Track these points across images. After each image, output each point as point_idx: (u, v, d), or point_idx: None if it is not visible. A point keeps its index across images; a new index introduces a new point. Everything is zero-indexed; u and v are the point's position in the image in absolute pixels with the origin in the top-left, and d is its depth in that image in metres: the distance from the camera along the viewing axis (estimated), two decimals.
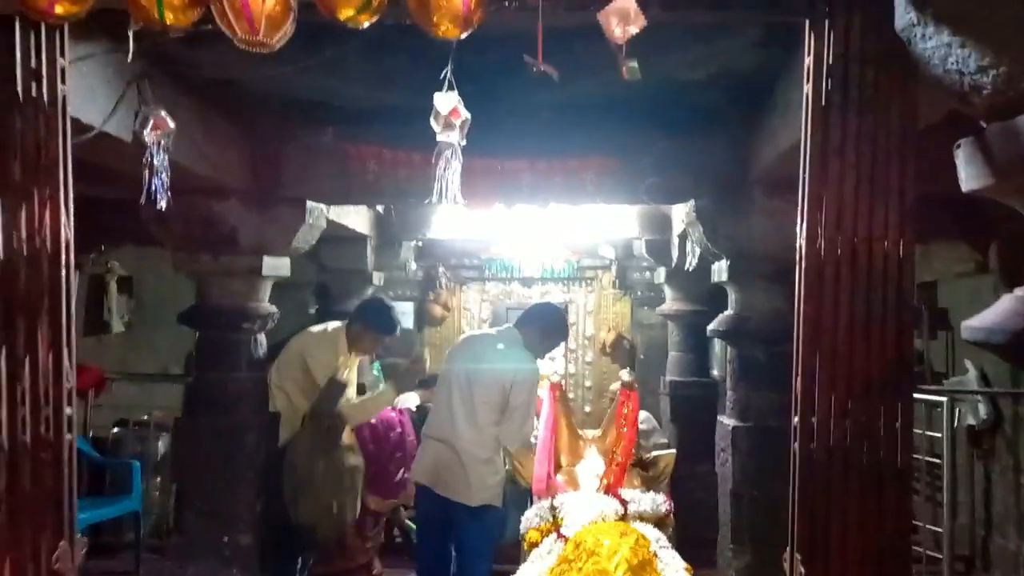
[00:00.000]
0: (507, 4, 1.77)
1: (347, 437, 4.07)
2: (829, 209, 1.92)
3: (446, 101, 2.07)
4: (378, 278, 6.23)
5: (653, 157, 3.72)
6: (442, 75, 2.02)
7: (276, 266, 4.02)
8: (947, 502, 4.40)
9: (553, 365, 7.67)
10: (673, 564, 3.07)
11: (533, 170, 3.78)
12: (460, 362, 3.72)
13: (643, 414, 4.90)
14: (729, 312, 3.96)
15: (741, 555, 3.71)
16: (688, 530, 4.08)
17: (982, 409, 4.79)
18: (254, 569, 3.84)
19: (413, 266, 6.99)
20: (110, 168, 3.01)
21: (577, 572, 2.96)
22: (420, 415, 4.68)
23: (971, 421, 4.86)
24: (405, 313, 7.65)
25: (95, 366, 5.06)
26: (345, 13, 1.57)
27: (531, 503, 3.98)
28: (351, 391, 4.23)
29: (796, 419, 2.01)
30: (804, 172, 1.98)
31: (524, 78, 2.72)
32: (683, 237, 4.74)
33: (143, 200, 2.42)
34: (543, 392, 3.90)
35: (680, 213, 4.44)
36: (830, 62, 1.91)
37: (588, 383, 8.00)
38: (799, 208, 2.00)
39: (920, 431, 4.43)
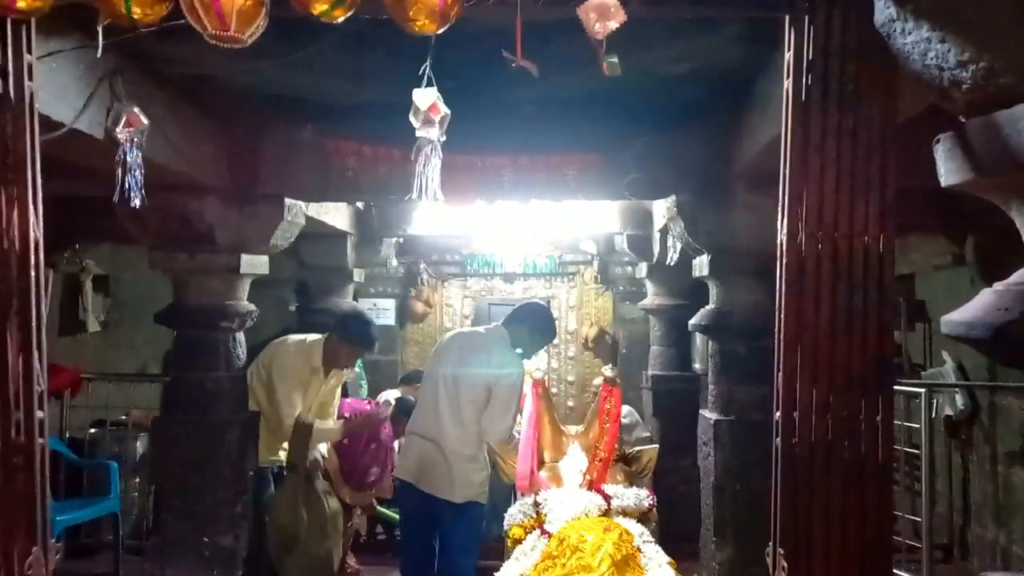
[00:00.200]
0: None
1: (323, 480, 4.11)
2: (810, 204, 1.93)
3: (425, 97, 2.05)
4: (359, 275, 6.18)
5: (635, 152, 3.72)
6: (421, 71, 2.00)
7: (254, 264, 3.97)
8: (925, 492, 4.45)
9: (536, 361, 7.68)
10: (656, 558, 3.07)
11: (514, 166, 3.76)
12: (447, 360, 3.70)
13: (625, 409, 4.91)
14: (710, 307, 3.97)
15: (723, 548, 3.73)
16: (670, 523, 4.10)
17: (959, 400, 4.85)
18: (234, 569, 3.81)
19: (394, 263, 6.95)
20: (83, 166, 2.95)
21: (561, 568, 2.95)
22: (400, 407, 4.66)
23: (949, 412, 4.92)
24: (387, 310, 7.63)
25: (71, 366, 4.98)
26: (319, 8, 1.55)
27: (515, 499, 3.98)
28: (331, 408, 4.23)
29: (778, 414, 2.01)
30: (785, 167, 1.98)
31: (505, 74, 2.70)
32: (664, 232, 4.75)
33: (117, 198, 2.37)
34: (526, 388, 3.89)
35: (661, 208, 4.44)
36: (810, 57, 1.91)
37: (571, 378, 8.02)
38: (780, 203, 2.00)
39: (899, 422, 4.47)
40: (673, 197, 3.89)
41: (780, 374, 1.99)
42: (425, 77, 2.01)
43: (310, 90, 3.36)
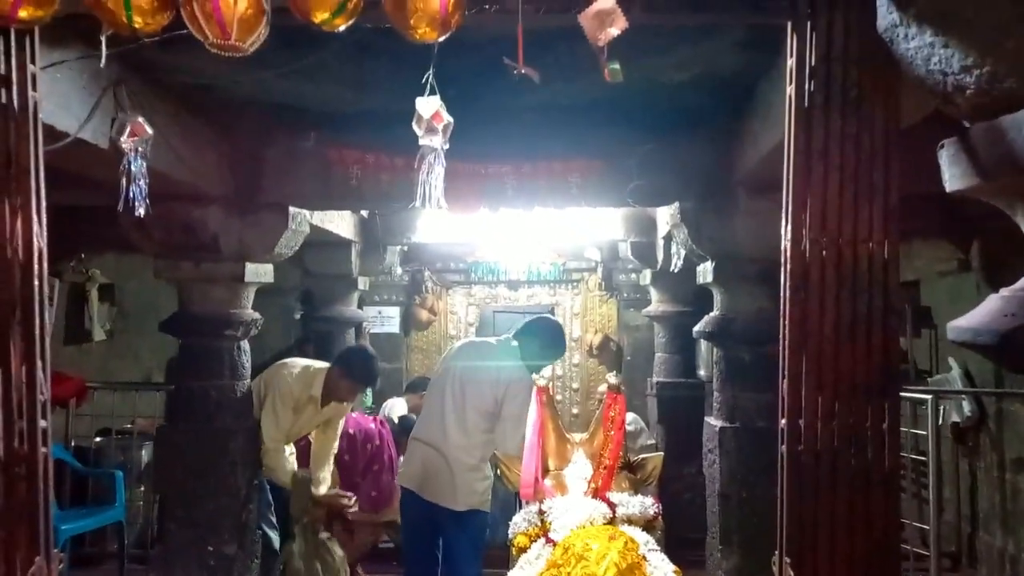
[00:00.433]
0: (486, 7, 1.75)
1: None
2: (813, 210, 1.92)
3: (428, 105, 2.05)
4: (363, 283, 6.19)
5: (637, 159, 3.71)
6: (424, 79, 2.00)
7: (259, 272, 3.97)
8: (933, 499, 4.41)
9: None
10: (662, 567, 3.04)
11: (517, 173, 3.76)
12: (455, 367, 3.70)
13: (630, 416, 4.89)
14: (714, 313, 3.96)
15: (729, 556, 3.71)
16: (675, 531, 4.08)
17: (966, 406, 4.81)
18: None
19: (398, 270, 6.97)
20: (88, 175, 2.96)
21: None
22: (402, 425, 4.65)
23: (955, 418, 4.88)
24: (391, 317, 7.63)
25: (76, 375, 4.99)
26: (320, 16, 1.55)
27: (518, 506, 3.96)
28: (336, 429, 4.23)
29: (783, 421, 2.00)
30: (788, 173, 1.97)
31: (507, 81, 2.70)
32: (668, 239, 4.74)
33: (121, 207, 2.38)
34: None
35: (665, 215, 4.44)
36: (812, 63, 1.90)
37: (575, 385, 8.00)
38: (783, 210, 1.99)
39: (905, 429, 4.45)
40: (676, 204, 3.89)
41: (785, 381, 1.98)
42: (428, 85, 2.01)
43: (312, 99, 3.37)
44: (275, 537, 4.15)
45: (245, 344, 3.98)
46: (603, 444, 3.73)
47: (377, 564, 4.97)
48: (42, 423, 1.99)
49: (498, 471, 4.00)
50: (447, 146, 2.13)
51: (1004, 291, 1.51)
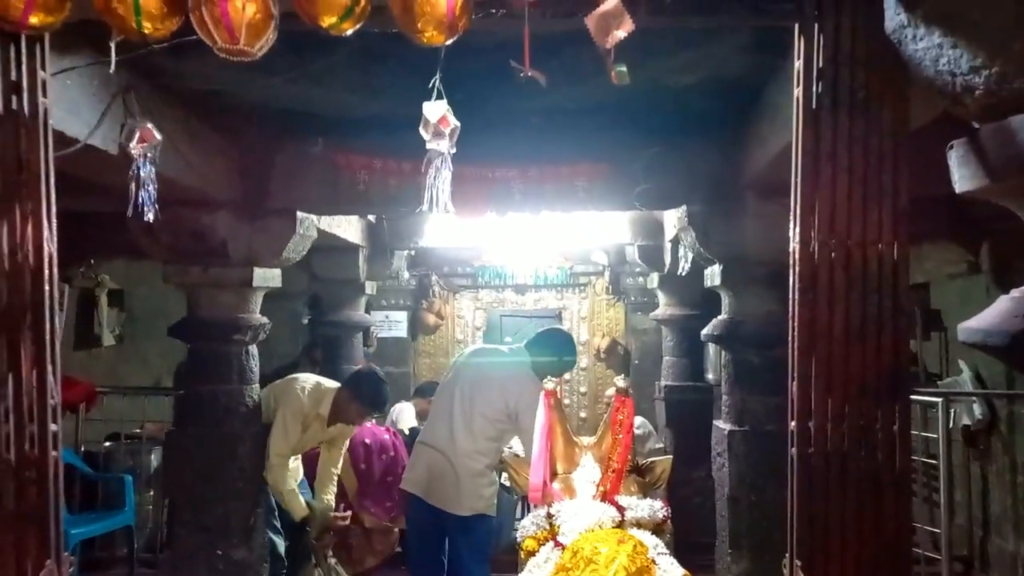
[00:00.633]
0: (493, 11, 1.75)
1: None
2: (822, 213, 1.91)
3: (435, 109, 2.06)
4: (371, 287, 6.21)
5: (644, 163, 3.71)
6: (431, 83, 2.01)
7: (267, 277, 3.99)
8: (944, 503, 4.38)
9: None
10: (672, 571, 3.03)
11: (524, 177, 3.77)
12: (466, 372, 3.70)
13: (639, 420, 4.88)
14: (723, 316, 3.95)
15: (739, 560, 3.69)
16: (684, 536, 4.05)
17: (977, 409, 4.78)
18: None
19: (406, 275, 6.98)
20: (97, 181, 2.98)
21: None
22: (412, 436, 4.67)
23: (966, 421, 4.85)
24: (399, 322, 7.65)
25: (86, 380, 5.01)
26: (327, 20, 1.55)
27: (526, 510, 3.96)
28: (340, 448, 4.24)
29: (793, 424, 1.99)
30: (796, 176, 1.97)
31: (513, 85, 2.70)
32: (675, 242, 4.74)
33: (130, 213, 2.39)
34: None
35: (672, 218, 4.43)
36: (820, 65, 1.90)
37: (583, 389, 8.00)
38: (792, 212, 1.99)
39: (916, 432, 4.42)
40: (684, 207, 3.88)
41: (795, 383, 1.97)
42: (435, 90, 2.02)
43: (320, 104, 3.38)
44: (280, 542, 4.15)
45: (253, 348, 3.99)
46: (611, 448, 3.72)
47: (385, 569, 4.97)
48: (53, 427, 2.00)
49: (505, 477, 4.01)
50: (454, 150, 2.13)
51: (1015, 292, 1.50)
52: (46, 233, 1.98)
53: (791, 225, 2.00)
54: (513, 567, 3.98)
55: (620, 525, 3.39)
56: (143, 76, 2.77)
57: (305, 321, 6.69)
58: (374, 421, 5.03)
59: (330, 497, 4.16)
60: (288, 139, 3.74)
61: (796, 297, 1.97)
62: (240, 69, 2.34)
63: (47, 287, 1.99)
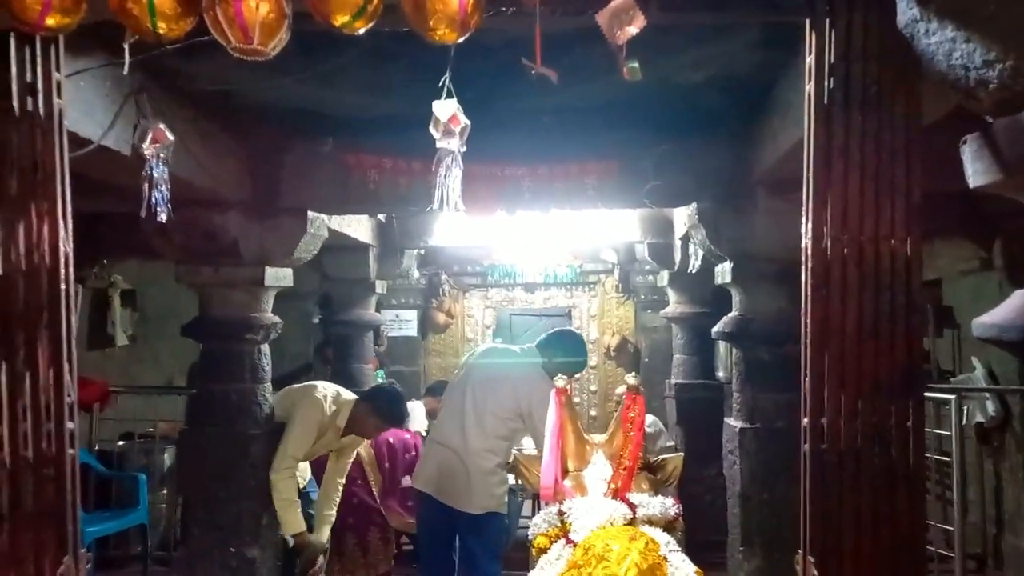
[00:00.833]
0: (504, 8, 1.76)
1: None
2: (834, 208, 1.90)
3: (445, 108, 2.06)
4: (381, 286, 6.22)
5: (654, 160, 3.71)
6: (441, 82, 2.01)
7: (279, 276, 4.00)
8: (957, 500, 4.36)
9: None
10: (683, 568, 3.03)
11: (534, 176, 3.77)
12: (477, 371, 3.71)
13: (649, 418, 4.87)
14: (733, 314, 3.94)
15: (751, 558, 3.69)
16: (695, 533, 4.05)
17: (990, 406, 4.75)
18: None
19: (416, 274, 6.99)
20: (110, 182, 3.00)
21: None
22: None
23: (979, 418, 4.82)
24: (409, 321, 7.66)
25: (100, 380, 5.05)
26: (340, 19, 1.56)
27: (534, 508, 3.97)
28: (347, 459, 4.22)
29: (806, 420, 1.98)
30: (808, 172, 1.96)
31: (523, 84, 2.71)
32: (686, 240, 4.73)
33: (143, 213, 2.41)
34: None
35: (682, 216, 4.42)
36: (832, 61, 1.89)
37: (593, 387, 7.99)
38: (804, 208, 1.98)
39: (928, 429, 4.40)
40: (694, 204, 3.87)
41: (808, 380, 1.96)
42: (445, 88, 2.02)
43: (330, 104, 3.39)
44: (291, 539, 4.17)
45: (265, 348, 4.01)
46: (623, 445, 3.72)
47: (397, 566, 4.98)
48: (69, 425, 2.03)
49: (513, 478, 4.02)
50: (464, 149, 2.14)
51: None
52: (62, 233, 2.00)
53: (803, 221, 1.99)
54: (521, 564, 3.99)
55: (632, 522, 3.40)
56: (155, 77, 2.79)
57: (316, 320, 6.72)
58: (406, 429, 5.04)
59: (332, 512, 4.11)
60: (298, 139, 3.76)
61: (809, 294, 1.97)
62: (250, 70, 2.35)
63: (63, 286, 2.01)
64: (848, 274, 1.92)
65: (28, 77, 1.94)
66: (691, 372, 5.88)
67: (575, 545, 3.16)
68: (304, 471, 4.19)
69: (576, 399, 7.50)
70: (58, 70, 1.99)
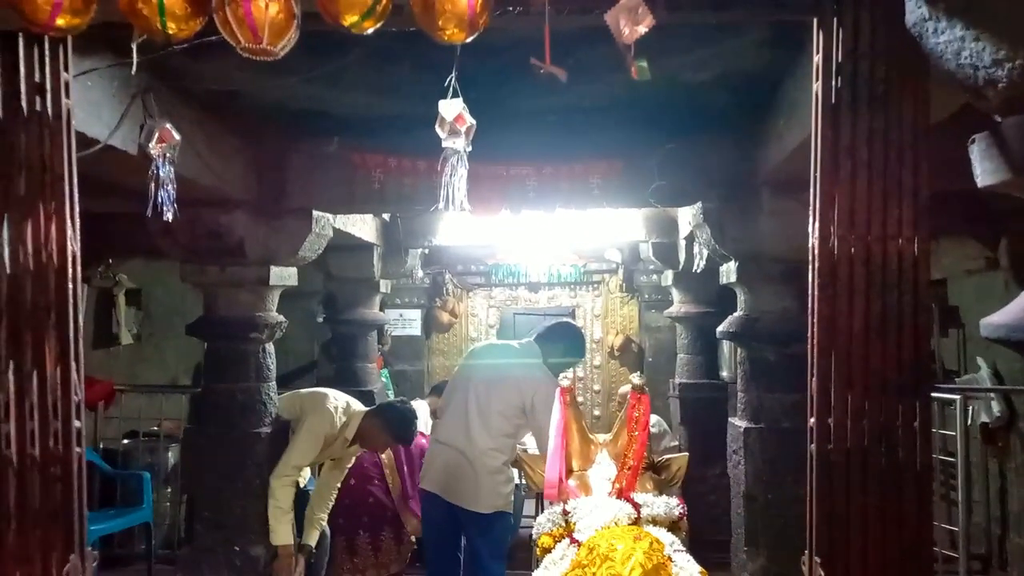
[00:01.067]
0: (511, 8, 1.76)
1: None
2: (841, 208, 1.90)
3: (451, 107, 2.06)
4: (385, 286, 6.23)
5: (659, 160, 3.70)
6: (447, 82, 2.01)
7: (283, 276, 4.01)
8: (962, 501, 4.35)
9: None
10: (688, 568, 3.02)
11: (539, 175, 3.77)
12: (478, 369, 3.71)
13: (654, 418, 4.87)
14: (738, 313, 3.93)
15: (755, 557, 3.68)
16: (698, 534, 4.05)
17: (995, 407, 4.74)
18: None
19: (420, 273, 7.00)
20: (116, 182, 3.01)
21: None
22: None
23: (984, 419, 4.81)
24: (413, 320, 7.67)
25: (105, 379, 5.07)
26: (349, 19, 1.56)
27: (538, 507, 3.96)
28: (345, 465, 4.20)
29: (812, 420, 1.98)
30: (815, 171, 1.96)
31: (527, 84, 2.71)
32: (690, 239, 4.72)
33: (149, 213, 2.42)
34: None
35: (687, 215, 4.42)
36: (839, 60, 1.88)
37: (596, 387, 7.99)
38: (811, 207, 1.98)
39: (933, 430, 4.38)
40: (699, 204, 3.87)
41: (814, 379, 1.96)
42: (451, 88, 2.02)
43: (336, 104, 3.40)
44: (296, 538, 4.17)
45: (270, 347, 4.02)
46: (627, 445, 3.71)
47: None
48: (76, 423, 2.03)
49: (518, 475, 4.02)
50: (470, 148, 2.14)
51: None
52: (69, 232, 2.00)
53: (810, 220, 1.99)
54: (524, 563, 3.99)
55: (636, 522, 3.39)
56: (161, 78, 2.79)
57: (320, 320, 6.72)
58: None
59: (323, 516, 4.09)
60: (304, 139, 3.76)
61: (815, 293, 1.96)
62: (256, 70, 2.36)
63: (71, 286, 2.02)
64: (855, 273, 1.91)
65: (37, 77, 1.95)
66: (695, 372, 5.88)
67: (579, 545, 3.15)
68: (305, 470, 4.19)
69: (580, 398, 7.50)
70: (66, 70, 2.00)
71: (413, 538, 4.53)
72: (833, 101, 1.90)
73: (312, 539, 4.03)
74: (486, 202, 3.63)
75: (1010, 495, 4.75)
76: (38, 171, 1.96)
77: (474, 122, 2.10)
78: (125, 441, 5.24)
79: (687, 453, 4.27)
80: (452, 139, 2.11)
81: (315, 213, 3.89)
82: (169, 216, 2.44)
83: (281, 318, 4.05)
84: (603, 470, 3.86)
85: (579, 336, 3.98)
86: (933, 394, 4.33)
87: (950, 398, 4.44)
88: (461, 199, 2.15)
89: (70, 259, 2.01)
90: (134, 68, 1.90)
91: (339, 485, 4.19)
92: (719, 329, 4.04)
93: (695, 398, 5.72)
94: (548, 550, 3.43)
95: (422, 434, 4.87)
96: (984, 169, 1.59)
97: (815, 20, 1.94)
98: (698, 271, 4.70)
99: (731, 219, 3.71)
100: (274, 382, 4.03)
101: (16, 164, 1.95)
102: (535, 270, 7.78)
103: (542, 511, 3.93)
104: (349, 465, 4.22)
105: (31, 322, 1.97)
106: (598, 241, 6.59)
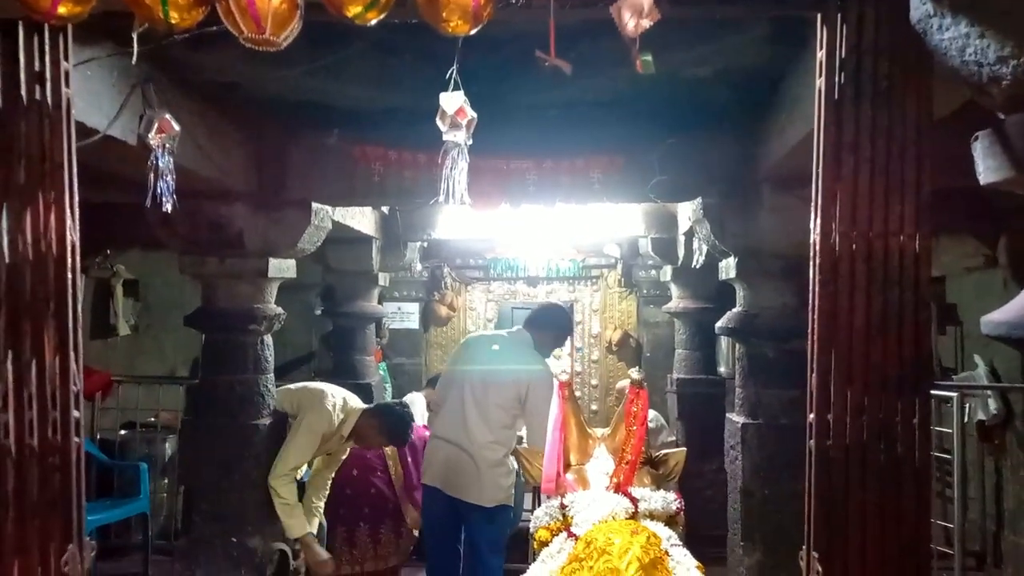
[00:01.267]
0: (515, 1, 1.75)
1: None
2: (843, 204, 1.90)
3: (452, 100, 2.06)
4: (384, 279, 6.22)
5: (659, 155, 3.70)
6: (448, 74, 2.01)
7: (282, 268, 4.01)
8: (958, 498, 4.37)
9: (561, 364, 7.67)
10: (685, 562, 3.04)
11: (539, 169, 3.77)
12: (472, 363, 3.71)
13: (651, 414, 4.87)
14: (737, 309, 3.93)
15: (752, 552, 3.69)
16: (695, 528, 4.06)
17: (992, 404, 4.75)
18: (263, 571, 3.83)
19: (418, 267, 6.99)
20: (115, 172, 3.00)
21: (588, 571, 2.92)
22: None
23: (981, 416, 4.82)
24: (411, 313, 7.66)
25: (102, 369, 5.06)
26: (353, 10, 1.55)
27: (535, 501, 3.97)
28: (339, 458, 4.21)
29: (811, 416, 1.98)
30: (817, 167, 1.96)
31: (529, 78, 2.70)
32: (690, 235, 4.72)
33: (149, 203, 2.41)
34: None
35: (687, 211, 4.42)
36: (843, 55, 1.88)
37: (595, 381, 8.00)
38: (813, 203, 1.98)
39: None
40: (699, 199, 3.87)
41: (814, 375, 1.96)
42: (452, 81, 2.02)
43: (336, 97, 3.39)
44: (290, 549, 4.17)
45: (268, 339, 4.02)
46: (625, 439, 3.73)
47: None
48: (75, 414, 2.03)
49: (521, 465, 4.03)
50: (471, 141, 2.13)
51: None
52: (69, 222, 2.00)
53: (812, 216, 1.99)
54: (521, 557, 3.99)
55: (633, 516, 3.40)
56: (161, 68, 2.78)
57: (318, 312, 6.72)
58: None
59: (320, 504, 4.11)
60: (304, 131, 3.75)
61: (816, 289, 1.96)
62: (257, 62, 2.35)
63: (70, 276, 2.01)
64: (856, 270, 1.91)
65: (36, 66, 1.94)
66: (693, 367, 5.88)
67: (577, 539, 3.16)
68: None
69: (577, 393, 7.51)
70: (67, 59, 1.99)
71: (415, 532, 4.54)
72: (836, 97, 1.90)
73: (313, 527, 4.04)
74: (486, 196, 3.63)
75: (1005, 492, 4.76)
76: (38, 160, 1.96)
77: (475, 115, 2.09)
78: (122, 432, 5.24)
79: (685, 448, 4.28)
80: (453, 132, 2.10)
81: (314, 205, 3.89)
82: (168, 207, 2.43)
83: (280, 310, 4.04)
84: (601, 464, 3.88)
85: (564, 315, 4.04)
86: (931, 391, 4.34)
87: (947, 395, 4.44)
88: (461, 192, 2.14)
89: (69, 249, 2.01)
90: (134, 58, 1.89)
91: (333, 475, 4.20)
92: (718, 325, 4.05)
93: (693, 393, 5.73)
94: (545, 543, 3.44)
95: (424, 426, 4.87)
96: (987, 166, 1.59)
97: (819, 15, 1.93)
98: (697, 267, 4.70)
99: (731, 215, 3.71)
100: (272, 374, 4.03)
101: (16, 153, 1.94)
102: (534, 264, 7.78)
103: (539, 505, 3.95)
104: (344, 457, 4.23)
105: (30, 312, 1.97)
106: (597, 236, 6.59)
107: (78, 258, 2.05)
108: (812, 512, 1.98)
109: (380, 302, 6.47)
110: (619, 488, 3.57)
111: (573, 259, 7.73)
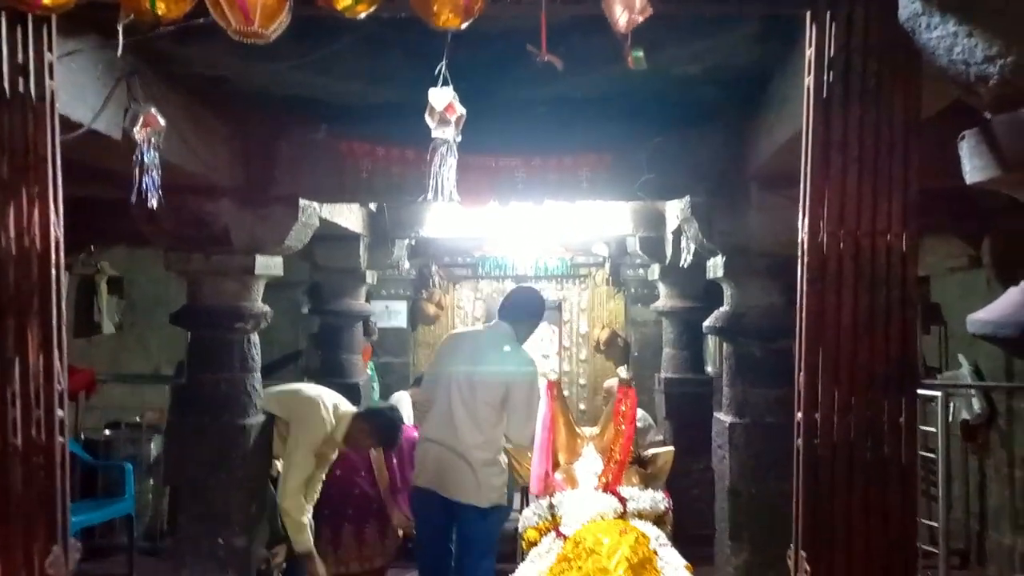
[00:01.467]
0: None
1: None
2: (831, 203, 1.91)
3: (441, 96, 2.05)
4: (371, 277, 6.19)
5: (648, 153, 3.70)
6: (436, 70, 2.00)
7: (269, 265, 3.97)
8: (942, 497, 4.41)
9: (549, 363, 7.67)
10: (673, 562, 3.05)
11: (527, 167, 3.76)
12: (457, 362, 3.69)
13: (639, 413, 4.88)
14: (725, 308, 3.94)
15: (739, 552, 3.70)
16: (683, 527, 4.07)
17: (976, 404, 4.80)
18: (248, 571, 3.81)
19: (406, 265, 6.96)
20: (100, 167, 2.96)
21: (577, 570, 2.93)
22: None
23: (965, 416, 4.87)
24: (399, 312, 7.64)
25: (86, 368, 5.01)
26: (342, 3, 1.54)
27: (523, 501, 3.97)
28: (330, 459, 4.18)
29: (799, 415, 1.99)
30: (805, 166, 1.96)
31: (518, 74, 2.69)
32: (677, 233, 4.73)
33: (133, 198, 2.38)
34: (541, 390, 3.89)
35: (675, 209, 4.42)
36: (832, 54, 1.89)
37: (582, 381, 8.00)
38: (801, 202, 1.98)
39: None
40: (687, 198, 3.88)
41: (802, 374, 1.97)
42: (441, 77, 2.01)
43: (324, 91, 3.36)
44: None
45: (255, 337, 3.98)
46: (614, 439, 3.73)
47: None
48: (59, 413, 2.00)
49: (510, 465, 4.03)
50: (459, 138, 2.12)
51: None
52: (52, 217, 1.97)
53: (800, 215, 1.99)
54: (509, 556, 3.99)
55: (622, 516, 3.41)
56: (147, 62, 2.75)
57: (305, 310, 6.68)
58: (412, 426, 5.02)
59: (309, 507, 4.08)
60: (292, 127, 3.72)
61: (804, 288, 1.97)
62: (244, 56, 2.33)
63: (54, 271, 1.99)
64: (844, 268, 1.92)
65: (20, 58, 1.91)
66: (681, 366, 5.89)
67: (565, 538, 3.17)
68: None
69: (565, 392, 7.51)
70: (50, 51, 1.96)
71: (400, 532, 4.52)
72: (824, 96, 1.91)
73: (305, 522, 4.02)
74: (474, 193, 3.61)
75: (989, 491, 4.81)
76: (21, 154, 1.93)
77: (464, 112, 2.08)
78: (107, 431, 5.19)
79: (672, 448, 4.29)
80: (442, 128, 2.09)
81: (302, 202, 3.86)
82: (153, 203, 2.40)
83: (266, 308, 4.01)
84: (589, 464, 3.88)
85: (536, 297, 4.03)
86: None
87: (931, 395, 4.48)
88: (450, 190, 2.13)
89: (53, 245, 1.98)
90: (120, 50, 1.87)
91: (323, 476, 4.17)
92: (705, 324, 4.06)
93: (680, 392, 5.74)
94: (534, 543, 3.44)
95: (415, 426, 4.85)
96: (973, 166, 1.60)
97: (808, 14, 1.94)
98: (685, 265, 4.70)
99: (719, 213, 3.71)
100: (259, 372, 4.00)
101: None
102: (522, 263, 7.77)
103: (527, 504, 3.94)
104: (334, 458, 4.21)
105: (13, 308, 1.94)
106: (585, 234, 6.59)
107: (62, 254, 2.02)
108: (800, 511, 1.98)
109: (368, 300, 6.44)
110: (608, 487, 3.58)
111: (561, 257, 7.73)
